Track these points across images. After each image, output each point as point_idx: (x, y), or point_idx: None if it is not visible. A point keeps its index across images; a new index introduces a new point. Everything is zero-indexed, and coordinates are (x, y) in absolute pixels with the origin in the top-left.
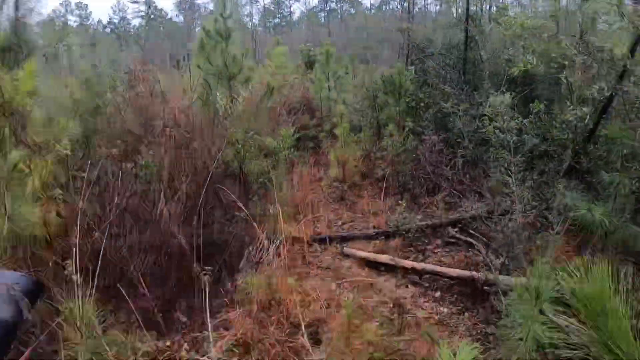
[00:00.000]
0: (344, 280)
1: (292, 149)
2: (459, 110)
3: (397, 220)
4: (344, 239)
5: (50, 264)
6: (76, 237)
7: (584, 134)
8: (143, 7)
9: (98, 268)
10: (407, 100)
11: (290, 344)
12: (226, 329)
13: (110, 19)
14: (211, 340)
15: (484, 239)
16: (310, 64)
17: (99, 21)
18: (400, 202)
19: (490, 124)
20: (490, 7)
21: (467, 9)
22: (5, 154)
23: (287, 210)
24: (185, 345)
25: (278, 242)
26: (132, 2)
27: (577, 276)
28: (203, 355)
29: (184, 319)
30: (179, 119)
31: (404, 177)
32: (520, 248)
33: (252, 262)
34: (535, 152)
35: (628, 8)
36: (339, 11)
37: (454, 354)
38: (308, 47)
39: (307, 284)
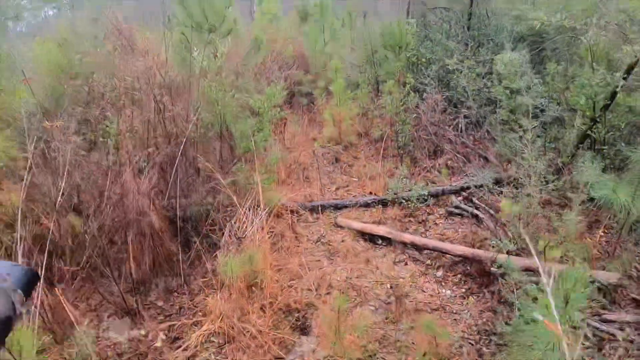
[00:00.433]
0: (336, 255)
1: (281, 108)
2: (463, 67)
3: (396, 186)
4: (338, 207)
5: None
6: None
7: (605, 101)
8: None
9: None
10: (408, 55)
11: (275, 335)
12: (205, 314)
13: None
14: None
15: (491, 212)
16: (304, 17)
17: None
18: (399, 165)
19: (500, 84)
20: None
21: None
22: None
23: (277, 176)
24: (162, 335)
25: (263, 214)
26: None
27: None
28: (178, 348)
29: (160, 304)
30: (152, 78)
31: (404, 138)
32: (534, 226)
33: (234, 238)
34: (546, 117)
35: None
36: None
37: None
38: None
39: (295, 261)
